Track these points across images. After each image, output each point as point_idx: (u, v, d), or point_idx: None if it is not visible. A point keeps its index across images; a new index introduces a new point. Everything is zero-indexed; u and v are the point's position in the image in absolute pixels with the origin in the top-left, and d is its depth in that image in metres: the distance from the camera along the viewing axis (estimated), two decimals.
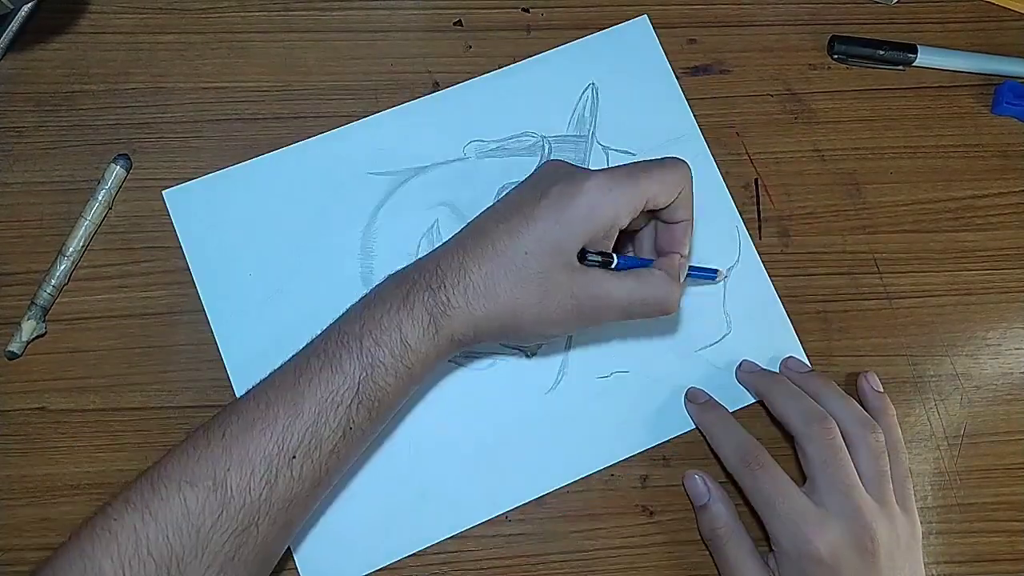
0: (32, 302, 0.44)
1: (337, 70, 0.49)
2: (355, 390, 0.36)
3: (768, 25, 0.52)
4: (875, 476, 0.41)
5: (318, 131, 0.48)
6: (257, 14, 0.50)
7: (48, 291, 0.44)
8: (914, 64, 0.51)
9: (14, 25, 0.47)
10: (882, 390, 0.46)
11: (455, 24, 0.50)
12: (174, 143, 0.48)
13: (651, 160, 0.39)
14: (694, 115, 0.50)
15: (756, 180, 0.49)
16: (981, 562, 0.46)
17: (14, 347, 0.44)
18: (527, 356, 0.46)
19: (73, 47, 0.48)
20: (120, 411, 0.44)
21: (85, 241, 0.46)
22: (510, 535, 0.45)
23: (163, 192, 0.46)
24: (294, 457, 0.36)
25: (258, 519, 0.35)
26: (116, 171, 0.46)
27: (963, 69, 0.52)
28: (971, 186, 0.51)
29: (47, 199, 0.46)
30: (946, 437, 0.48)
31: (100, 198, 0.46)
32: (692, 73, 0.51)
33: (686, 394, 0.46)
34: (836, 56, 0.51)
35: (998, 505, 0.47)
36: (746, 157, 0.50)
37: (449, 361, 0.46)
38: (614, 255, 0.39)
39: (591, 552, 0.45)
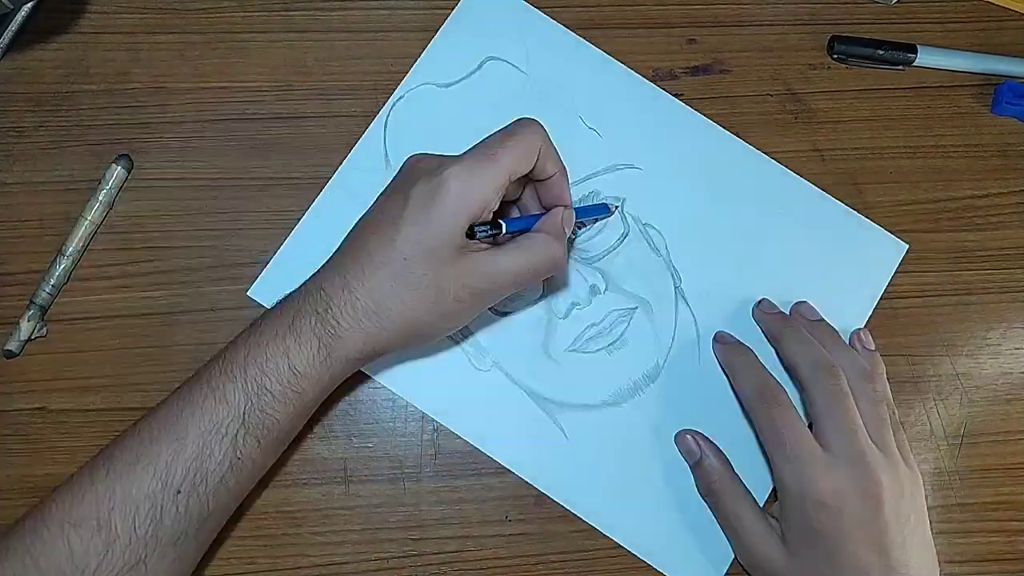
0: (31, 301, 0.44)
1: (337, 70, 0.49)
2: (241, 420, 0.36)
3: (768, 25, 0.52)
4: (876, 424, 0.42)
5: (318, 131, 0.48)
6: (257, 14, 0.50)
7: (47, 290, 0.44)
8: (914, 64, 0.51)
9: (14, 25, 0.47)
10: (873, 347, 0.46)
11: None
12: (174, 143, 0.48)
13: (501, 131, 0.39)
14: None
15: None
16: (981, 562, 0.46)
17: (12, 346, 0.44)
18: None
19: (73, 47, 0.48)
20: (120, 411, 0.44)
21: (85, 241, 0.46)
22: (510, 535, 0.45)
23: None
24: (179, 492, 0.35)
25: (145, 556, 0.34)
26: (117, 171, 0.46)
27: (963, 69, 0.52)
28: (971, 186, 0.51)
29: (47, 199, 0.46)
30: (946, 437, 0.48)
31: (100, 198, 0.46)
32: (692, 73, 0.51)
33: (715, 336, 0.47)
34: (836, 56, 0.51)
35: (998, 505, 0.47)
36: None
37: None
38: (502, 222, 0.39)
39: (591, 552, 0.45)
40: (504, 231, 0.39)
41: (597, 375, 0.46)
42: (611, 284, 0.47)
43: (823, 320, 0.46)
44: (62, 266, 0.45)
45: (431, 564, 0.44)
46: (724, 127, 0.50)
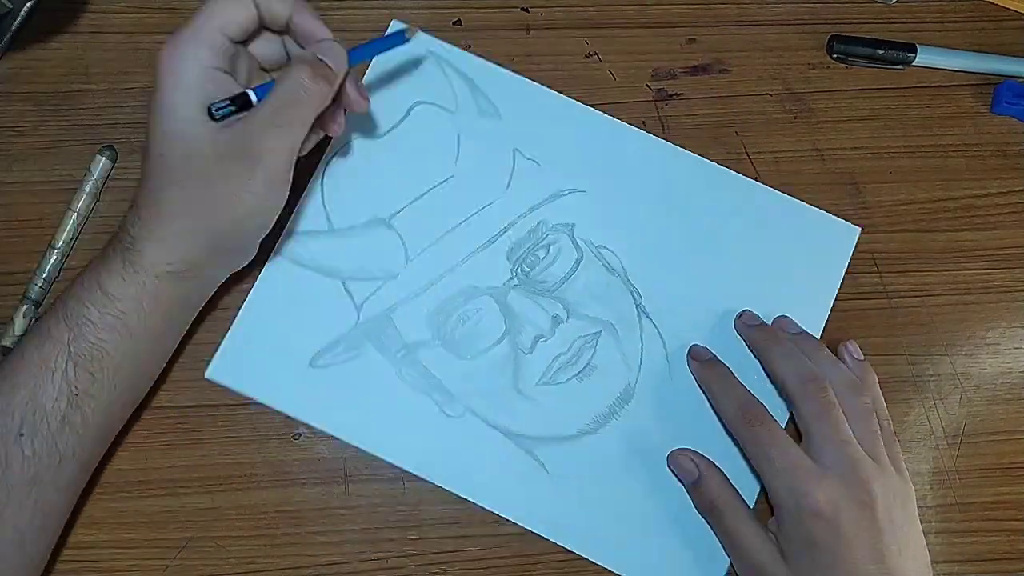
0: (24, 295, 0.44)
1: None
2: (67, 352, 0.36)
3: (768, 25, 0.52)
4: (866, 435, 0.42)
5: None
6: None
7: (39, 284, 0.44)
8: (914, 64, 0.51)
9: (14, 25, 0.47)
10: (862, 358, 0.46)
11: (455, 24, 0.50)
12: None
13: None
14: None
15: (755, 180, 0.49)
16: (980, 561, 0.46)
17: (7, 341, 0.44)
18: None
19: (73, 47, 0.48)
20: None
21: (74, 233, 0.45)
22: (510, 535, 0.45)
23: None
24: (21, 434, 0.35)
25: None
26: (102, 162, 0.46)
27: (962, 68, 0.52)
28: (970, 186, 0.51)
29: (46, 198, 0.46)
30: (945, 436, 0.48)
31: (87, 189, 0.46)
32: (692, 73, 0.51)
33: (689, 351, 0.46)
34: (836, 55, 0.51)
35: (997, 504, 0.47)
36: (746, 157, 0.50)
37: None
38: (248, 91, 0.37)
39: None
40: (255, 99, 0.37)
41: (571, 405, 0.46)
42: (572, 312, 0.46)
43: (804, 332, 0.46)
44: (52, 259, 0.45)
45: (431, 564, 0.44)
46: (724, 126, 0.50)
